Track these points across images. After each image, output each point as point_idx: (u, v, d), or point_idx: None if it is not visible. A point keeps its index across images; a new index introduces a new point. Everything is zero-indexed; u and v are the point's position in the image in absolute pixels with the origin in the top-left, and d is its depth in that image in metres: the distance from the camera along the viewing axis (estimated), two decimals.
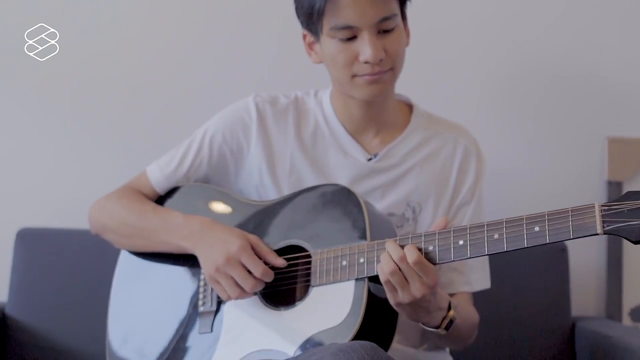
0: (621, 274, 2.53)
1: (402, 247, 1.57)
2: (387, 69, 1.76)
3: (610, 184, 2.56)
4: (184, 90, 2.54)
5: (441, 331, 1.68)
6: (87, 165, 2.54)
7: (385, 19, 1.73)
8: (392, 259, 1.56)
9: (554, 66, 2.60)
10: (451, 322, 1.68)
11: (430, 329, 1.68)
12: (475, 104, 2.57)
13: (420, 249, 1.56)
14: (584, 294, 2.56)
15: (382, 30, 1.74)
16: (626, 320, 2.54)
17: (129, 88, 2.55)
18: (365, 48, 1.72)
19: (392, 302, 1.60)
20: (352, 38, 1.74)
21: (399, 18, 1.77)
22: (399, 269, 1.55)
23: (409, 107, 1.96)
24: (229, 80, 2.53)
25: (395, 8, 1.76)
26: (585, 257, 2.55)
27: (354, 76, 1.77)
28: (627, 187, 2.57)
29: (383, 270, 1.57)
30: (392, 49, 1.75)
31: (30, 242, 2.39)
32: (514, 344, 2.36)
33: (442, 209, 1.88)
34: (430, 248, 1.57)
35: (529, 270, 2.39)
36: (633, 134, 2.58)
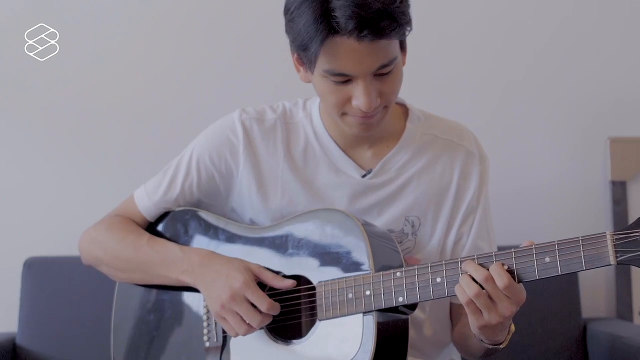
0: (630, 273, 2.52)
1: (481, 266, 1.49)
2: (380, 109, 1.65)
3: (614, 183, 2.55)
4: (189, 104, 2.55)
5: (501, 347, 1.62)
6: (92, 191, 2.55)
7: (384, 65, 1.59)
8: (476, 280, 1.48)
9: (556, 68, 2.59)
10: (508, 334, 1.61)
11: (492, 347, 1.61)
12: (477, 106, 2.57)
13: (511, 271, 1.48)
14: (594, 295, 2.56)
15: (379, 74, 1.60)
16: (637, 320, 2.53)
17: (133, 106, 2.56)
18: (360, 95, 1.59)
19: (475, 324, 1.52)
20: (346, 81, 1.61)
21: (398, 57, 1.62)
22: (484, 290, 1.48)
23: (404, 109, 1.83)
24: (237, 98, 2.52)
25: (396, 50, 1.61)
26: None
27: (344, 114, 1.66)
28: (631, 187, 2.57)
29: (465, 292, 1.48)
30: (388, 90, 1.63)
31: (38, 271, 2.39)
32: (526, 349, 2.35)
33: (442, 220, 1.78)
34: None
35: None
36: (634, 133, 2.57)
